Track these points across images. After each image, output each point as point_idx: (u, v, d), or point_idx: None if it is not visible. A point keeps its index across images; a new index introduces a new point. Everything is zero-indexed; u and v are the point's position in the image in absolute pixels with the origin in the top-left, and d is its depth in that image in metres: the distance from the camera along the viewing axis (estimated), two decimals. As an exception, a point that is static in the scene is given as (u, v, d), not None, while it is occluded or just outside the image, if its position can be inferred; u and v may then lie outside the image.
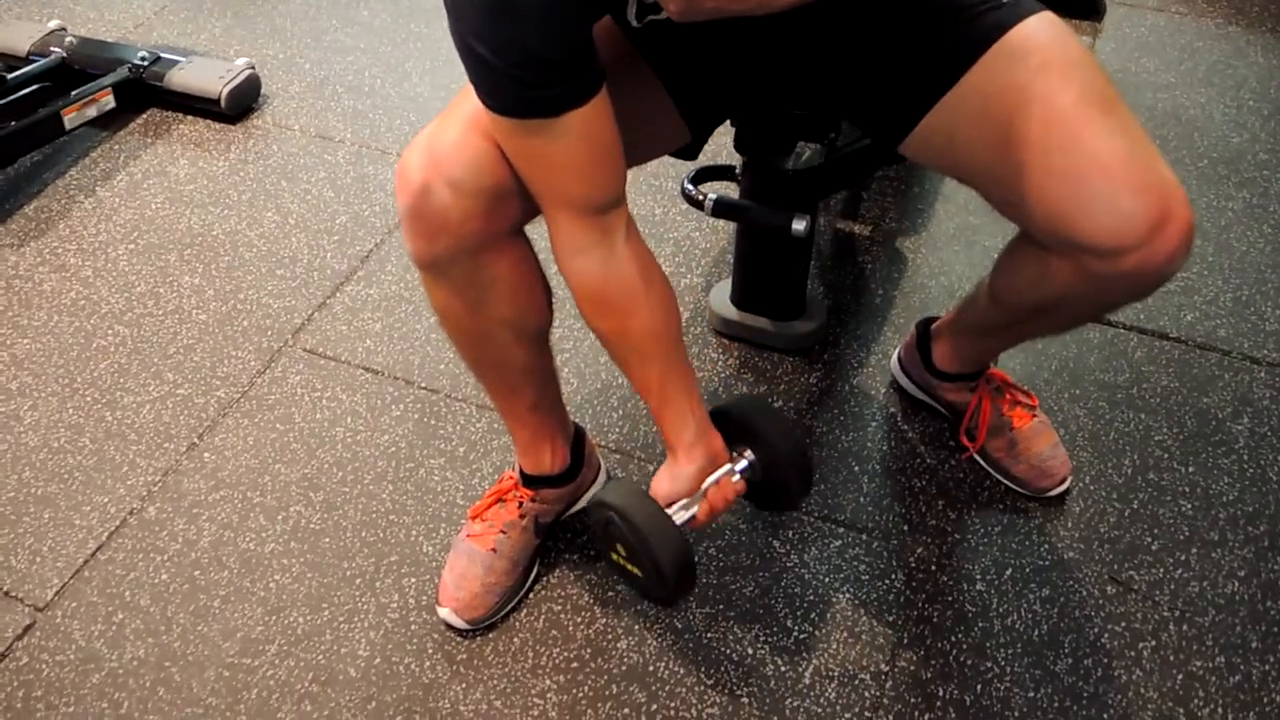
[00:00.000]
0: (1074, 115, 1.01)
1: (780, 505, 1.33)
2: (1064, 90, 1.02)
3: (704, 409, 1.17)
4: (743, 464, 1.20)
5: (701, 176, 1.56)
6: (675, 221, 1.89)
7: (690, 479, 1.16)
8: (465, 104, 1.04)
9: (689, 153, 1.28)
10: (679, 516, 1.15)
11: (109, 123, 2.18)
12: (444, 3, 0.93)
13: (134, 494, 1.51)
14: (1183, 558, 1.37)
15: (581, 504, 1.43)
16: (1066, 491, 1.44)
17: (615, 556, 1.18)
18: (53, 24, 2.35)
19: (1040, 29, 1.07)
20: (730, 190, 1.59)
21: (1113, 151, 1.00)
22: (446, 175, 1.03)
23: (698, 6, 0.90)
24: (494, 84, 0.95)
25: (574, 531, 1.43)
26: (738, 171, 1.52)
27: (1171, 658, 1.27)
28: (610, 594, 1.37)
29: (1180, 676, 1.26)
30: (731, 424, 1.21)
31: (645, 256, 1.11)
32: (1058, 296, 1.15)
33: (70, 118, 2.11)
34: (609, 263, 1.08)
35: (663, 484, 1.17)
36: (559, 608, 1.36)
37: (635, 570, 1.16)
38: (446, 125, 1.05)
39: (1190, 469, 1.47)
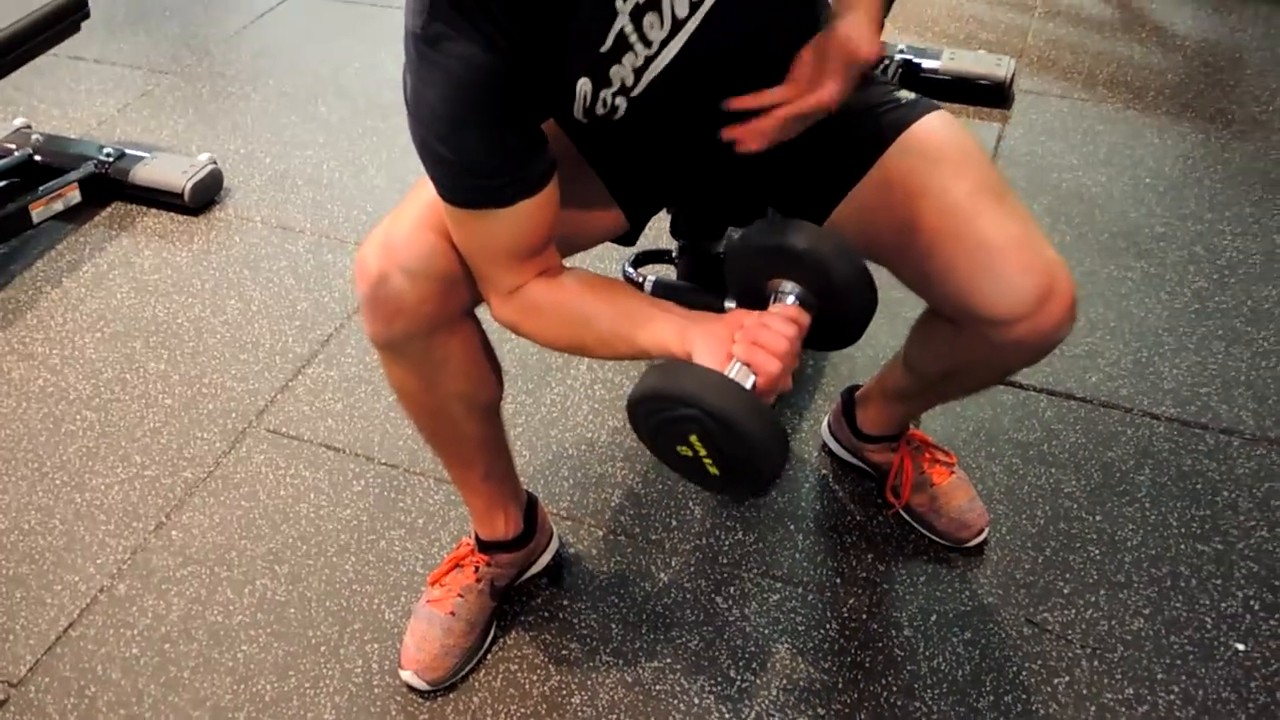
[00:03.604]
0: (968, 204, 1.14)
1: (843, 336, 1.13)
2: (959, 181, 1.15)
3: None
4: (789, 296, 1.04)
5: (641, 260, 1.68)
6: (620, 300, 2.00)
7: (722, 335, 1.01)
8: (418, 199, 1.14)
9: (628, 239, 1.39)
10: (745, 381, 0.97)
11: (75, 216, 2.27)
12: (407, 109, 1.03)
13: (104, 572, 1.57)
14: (1092, 599, 1.48)
15: (536, 569, 1.52)
16: (985, 542, 1.55)
17: (684, 452, 1.00)
18: (18, 121, 2.45)
19: (936, 126, 1.20)
20: (668, 272, 1.71)
21: (1004, 235, 1.12)
22: (401, 264, 1.12)
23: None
24: (453, 180, 1.05)
25: (529, 594, 1.51)
26: (674, 255, 1.65)
27: (1084, 691, 1.38)
28: (564, 652, 1.44)
29: (1093, 709, 1.36)
30: (767, 258, 1.05)
31: (571, 281, 1.13)
32: (962, 362, 1.27)
33: (38, 212, 2.19)
34: (535, 294, 1.11)
35: (703, 353, 1.01)
36: (515, 667, 1.43)
37: (712, 465, 0.99)
38: (400, 219, 1.15)
39: (1098, 518, 1.58)
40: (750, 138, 1.11)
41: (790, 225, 1.07)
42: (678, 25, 1.02)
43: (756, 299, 1.09)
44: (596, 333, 1.10)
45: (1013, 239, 1.12)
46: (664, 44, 1.03)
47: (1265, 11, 2.85)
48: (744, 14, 1.05)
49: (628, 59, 1.03)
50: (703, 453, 0.99)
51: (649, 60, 1.04)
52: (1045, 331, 1.14)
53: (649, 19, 1.01)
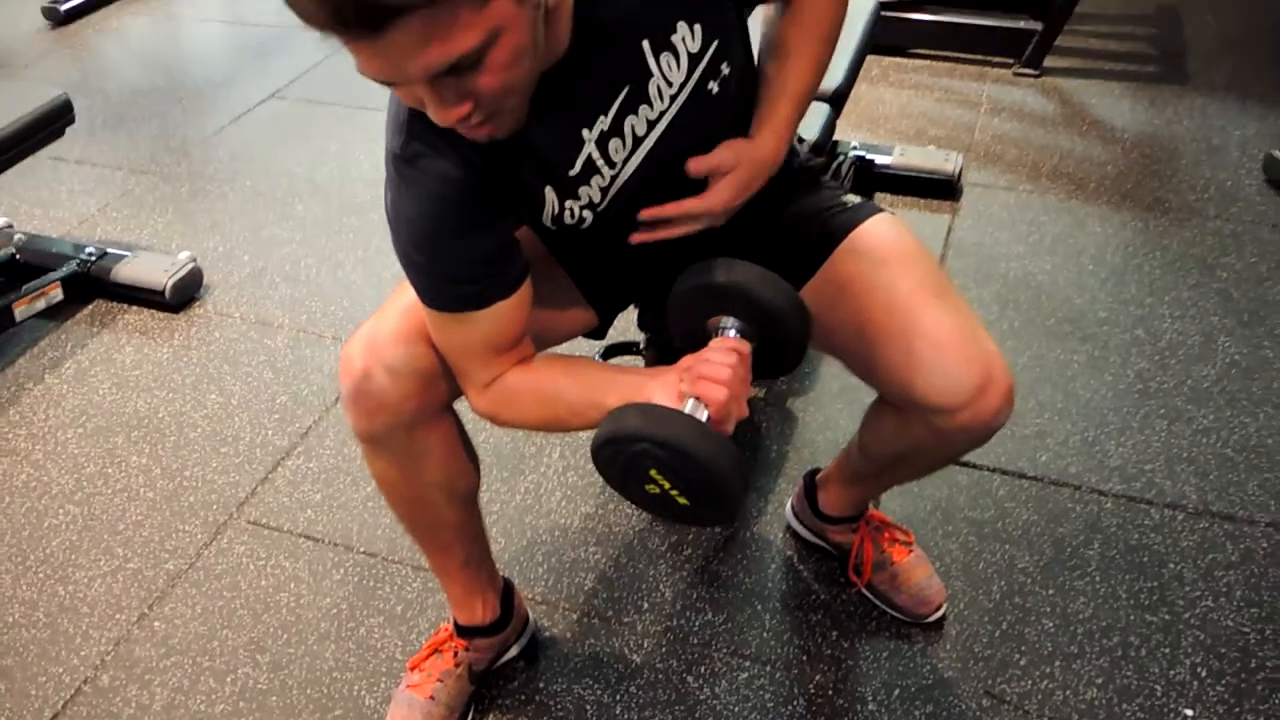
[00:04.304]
0: (910, 300, 1.22)
1: (787, 359, 1.21)
2: (902, 279, 1.24)
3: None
4: (729, 330, 1.13)
5: (610, 352, 1.76)
6: (590, 389, 2.08)
7: (673, 380, 1.11)
8: (399, 300, 1.21)
9: (598, 334, 1.47)
10: (700, 414, 1.05)
11: (57, 314, 2.33)
12: (388, 222, 1.11)
13: (88, 664, 1.60)
14: (1047, 670, 1.54)
15: (513, 652, 1.56)
16: (943, 617, 1.61)
17: (652, 490, 1.06)
18: (0, 221, 2.51)
19: (879, 229, 1.29)
20: (636, 363, 1.79)
21: (944, 329, 1.21)
22: (384, 362, 1.19)
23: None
24: (432, 287, 1.12)
25: (505, 677, 1.56)
26: (641, 346, 1.72)
27: (1042, 762, 1.43)
28: (540, 734, 1.49)
29: (1050, 779, 1.41)
30: (700, 299, 1.13)
31: (540, 363, 1.21)
32: (912, 447, 1.35)
33: (20, 310, 2.25)
34: (509, 381, 1.19)
35: (659, 398, 1.10)
36: (493, 750, 1.47)
37: (679, 496, 1.04)
38: (383, 320, 1.22)
39: (1050, 591, 1.65)
40: (640, 233, 1.20)
41: (711, 264, 1.15)
42: (638, 143, 1.12)
43: (703, 342, 1.18)
44: (569, 405, 1.17)
45: (952, 333, 1.21)
46: (626, 161, 1.13)
47: (1200, 104, 3.02)
48: (696, 124, 1.15)
49: (595, 180, 1.12)
50: (667, 485, 1.04)
51: (614, 180, 1.13)
52: (985, 419, 1.22)
53: (614, 144, 1.10)
